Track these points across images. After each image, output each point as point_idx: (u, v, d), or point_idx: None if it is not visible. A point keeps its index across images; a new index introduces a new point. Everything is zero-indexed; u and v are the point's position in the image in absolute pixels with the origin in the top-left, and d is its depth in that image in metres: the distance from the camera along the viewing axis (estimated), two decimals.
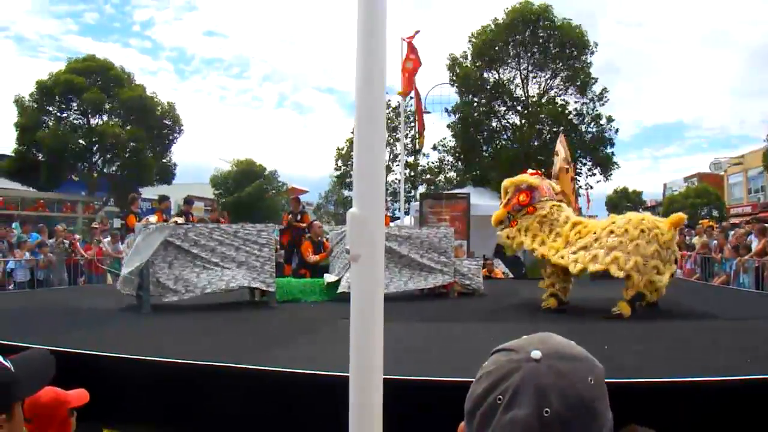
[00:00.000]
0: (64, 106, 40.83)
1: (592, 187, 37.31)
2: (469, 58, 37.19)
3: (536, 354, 1.17)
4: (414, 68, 19.41)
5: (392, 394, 2.67)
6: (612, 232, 9.43)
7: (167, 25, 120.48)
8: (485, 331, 8.01)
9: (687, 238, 22.08)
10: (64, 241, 18.23)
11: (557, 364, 1.17)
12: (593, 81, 36.22)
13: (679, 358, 5.99)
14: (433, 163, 41.87)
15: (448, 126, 37.40)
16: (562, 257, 9.72)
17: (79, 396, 3.39)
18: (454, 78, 37.14)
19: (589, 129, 36.65)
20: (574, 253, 9.62)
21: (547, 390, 1.13)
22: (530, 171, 11.29)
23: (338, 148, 43.20)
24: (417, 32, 19.55)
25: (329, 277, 11.95)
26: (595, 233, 9.61)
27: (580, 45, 35.65)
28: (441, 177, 41.50)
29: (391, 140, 37.92)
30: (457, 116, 37.13)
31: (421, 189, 39.18)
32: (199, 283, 10.30)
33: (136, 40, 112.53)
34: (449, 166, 41.16)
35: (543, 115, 36.52)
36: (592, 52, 36.12)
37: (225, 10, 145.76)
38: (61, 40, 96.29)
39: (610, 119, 36.53)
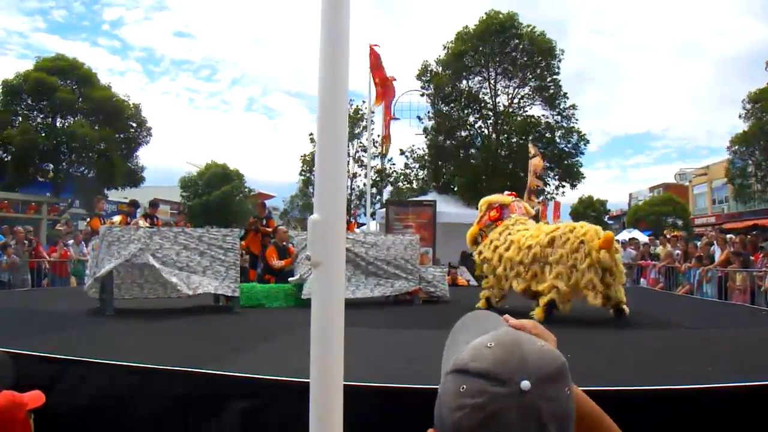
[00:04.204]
0: (34, 105, 40.37)
1: (554, 197, 37.41)
2: (440, 66, 37.27)
3: (526, 386, 1.19)
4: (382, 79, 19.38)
5: (353, 400, 2.67)
6: (553, 240, 9.61)
7: (137, 25, 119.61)
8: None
9: (651, 247, 22.29)
10: (25, 241, 18.05)
11: (545, 390, 1.21)
12: (563, 95, 36.29)
13: (642, 367, 6.02)
14: (399, 169, 41.89)
15: (425, 130, 37.31)
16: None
17: (35, 397, 3.36)
18: (426, 84, 37.24)
19: (560, 142, 36.61)
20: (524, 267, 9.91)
21: (545, 420, 1.18)
22: (506, 192, 11.64)
23: (303, 155, 43.16)
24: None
25: (293, 279, 11.93)
26: (539, 243, 9.76)
27: (548, 54, 35.74)
28: (406, 184, 41.51)
29: (357, 146, 37.97)
30: (430, 124, 37.13)
31: (387, 193, 39.17)
32: (167, 286, 10.24)
33: (105, 39, 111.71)
34: (414, 174, 41.19)
35: (511, 126, 36.59)
36: (560, 60, 36.24)
37: (195, 10, 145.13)
38: (28, 38, 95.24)
39: (582, 137, 36.56)
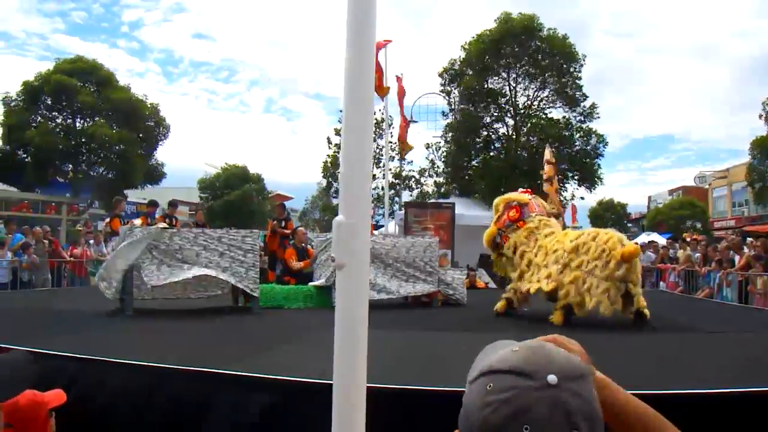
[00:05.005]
0: (54, 106, 40.55)
1: (580, 197, 37.29)
2: (464, 66, 37.18)
3: (553, 379, 1.21)
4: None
5: (375, 402, 2.66)
6: (577, 247, 9.51)
7: (156, 27, 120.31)
8: (469, 340, 8.01)
9: (671, 251, 22.18)
10: (44, 241, 18.16)
11: (572, 386, 1.22)
12: (583, 97, 36.15)
13: (662, 371, 6.00)
14: (420, 166, 41.69)
15: (448, 125, 37.20)
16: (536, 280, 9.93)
17: (56, 396, 3.38)
18: (447, 83, 37.19)
19: (578, 143, 36.44)
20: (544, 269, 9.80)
21: (573, 413, 1.19)
22: (521, 189, 11.45)
23: (324, 161, 42.99)
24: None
25: (318, 282, 11.93)
26: (564, 248, 9.66)
27: (569, 58, 35.60)
28: (429, 181, 41.27)
29: (376, 149, 37.87)
30: (453, 118, 37.03)
31: (406, 196, 38.96)
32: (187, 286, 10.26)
33: (124, 40, 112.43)
34: (438, 171, 40.85)
35: (532, 126, 36.53)
36: (581, 65, 36.08)
37: (214, 12, 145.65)
38: (48, 39, 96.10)
39: (601, 138, 36.39)
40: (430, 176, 41.13)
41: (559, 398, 1.19)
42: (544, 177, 13.33)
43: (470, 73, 36.61)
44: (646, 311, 9.46)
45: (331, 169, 41.43)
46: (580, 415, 1.19)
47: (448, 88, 37.44)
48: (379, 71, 18.40)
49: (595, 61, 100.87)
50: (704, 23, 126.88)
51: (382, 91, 19.01)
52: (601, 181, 36.79)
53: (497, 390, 1.22)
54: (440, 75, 37.82)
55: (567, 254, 9.48)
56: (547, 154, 14.02)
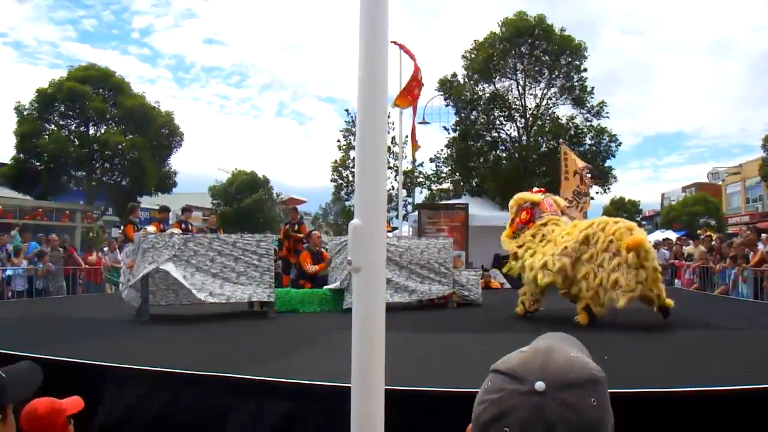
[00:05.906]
0: (67, 114, 40.59)
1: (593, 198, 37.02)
2: (461, 73, 37.07)
3: (540, 386, 1.18)
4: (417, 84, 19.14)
5: (393, 404, 2.68)
6: (587, 237, 9.44)
7: (166, 33, 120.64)
8: (484, 341, 8.01)
9: (683, 247, 22.10)
10: (59, 248, 18.22)
11: (562, 395, 1.18)
12: (590, 91, 35.96)
13: (678, 368, 5.99)
14: (430, 171, 41.61)
15: (451, 139, 37.18)
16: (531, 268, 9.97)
17: (73, 403, 3.40)
18: (447, 94, 36.98)
19: (589, 142, 36.24)
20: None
21: (555, 424, 1.15)
22: (535, 189, 11.39)
23: (334, 161, 42.92)
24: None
25: (332, 285, 11.96)
26: (574, 238, 9.57)
27: (577, 53, 35.40)
28: (438, 186, 41.16)
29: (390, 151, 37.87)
30: (454, 131, 36.99)
31: (419, 196, 38.89)
32: (203, 290, 10.26)
33: (135, 47, 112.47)
34: (445, 177, 40.71)
35: (542, 126, 36.40)
36: (585, 57, 35.85)
37: (225, 17, 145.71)
38: (59, 47, 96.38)
39: (613, 137, 36.19)
40: (439, 182, 41.08)
41: (543, 406, 1.17)
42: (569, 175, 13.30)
43: (475, 78, 36.47)
44: (669, 301, 9.33)
45: (340, 170, 41.42)
46: (564, 425, 1.16)
47: (451, 101, 37.30)
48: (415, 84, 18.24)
49: (607, 59, 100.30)
50: (717, 18, 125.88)
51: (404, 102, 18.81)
52: (614, 178, 36.65)
53: (492, 390, 1.23)
54: (439, 91, 37.54)
55: (578, 246, 9.42)
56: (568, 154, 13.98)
